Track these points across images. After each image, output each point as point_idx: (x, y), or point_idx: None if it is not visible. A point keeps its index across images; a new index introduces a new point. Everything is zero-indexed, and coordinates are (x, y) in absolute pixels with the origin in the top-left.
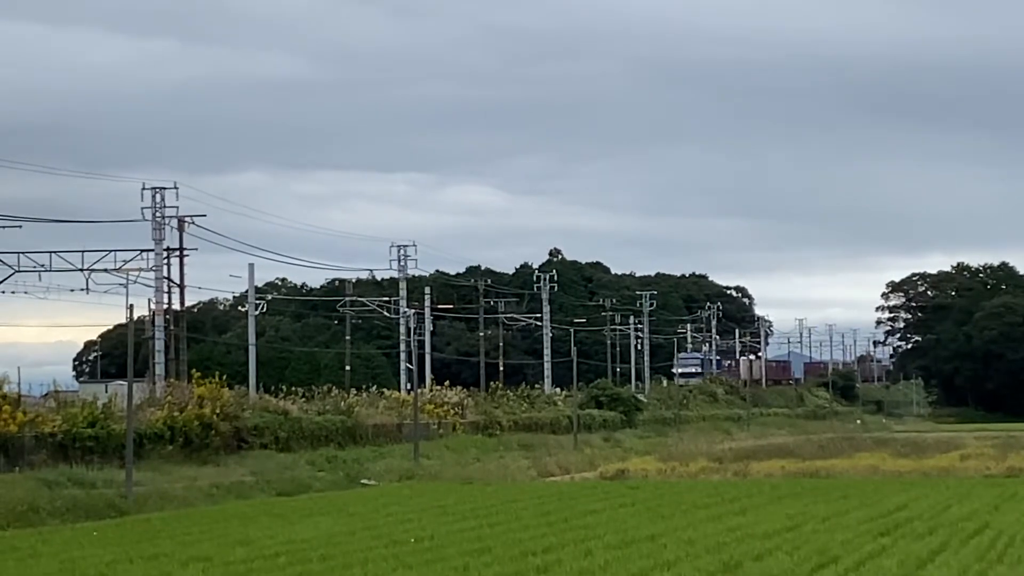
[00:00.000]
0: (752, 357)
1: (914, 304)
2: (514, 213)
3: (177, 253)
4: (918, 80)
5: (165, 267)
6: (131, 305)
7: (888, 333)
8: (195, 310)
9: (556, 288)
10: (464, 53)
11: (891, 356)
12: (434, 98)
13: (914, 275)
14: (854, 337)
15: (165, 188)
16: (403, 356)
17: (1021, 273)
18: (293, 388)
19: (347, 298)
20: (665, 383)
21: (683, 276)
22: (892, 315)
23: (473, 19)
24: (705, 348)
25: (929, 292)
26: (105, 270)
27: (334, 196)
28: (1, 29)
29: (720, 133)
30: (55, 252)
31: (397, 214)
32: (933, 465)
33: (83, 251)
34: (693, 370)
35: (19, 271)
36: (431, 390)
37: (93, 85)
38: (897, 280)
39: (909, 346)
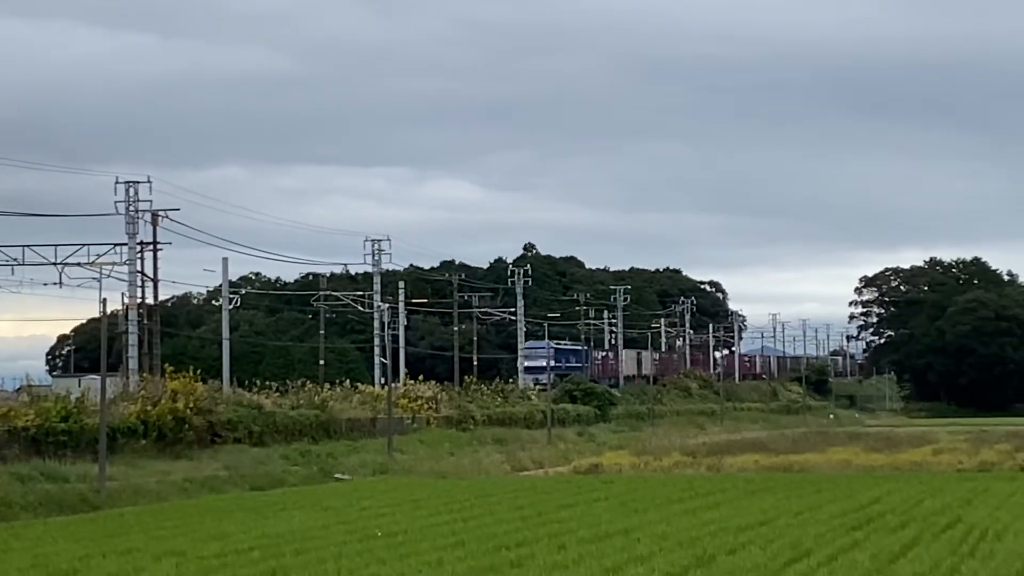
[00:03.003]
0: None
1: (887, 299)
2: (491, 208)
3: (151, 247)
4: (893, 77)
5: (139, 261)
6: (104, 299)
7: (861, 328)
8: (169, 304)
9: (530, 283)
10: (445, 48)
11: (864, 351)
12: (414, 93)
13: (887, 270)
14: (827, 332)
15: (139, 182)
16: (377, 350)
17: (994, 268)
18: (267, 382)
19: (321, 292)
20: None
21: (657, 271)
22: (865, 310)
23: (454, 15)
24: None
25: (902, 287)
26: (78, 264)
27: (312, 191)
28: None
29: (696, 129)
30: (28, 246)
31: (374, 209)
32: (906, 459)
33: (56, 245)
34: (544, 363)
35: None
36: (405, 384)
37: (70, 79)
38: (870, 275)
39: (882, 341)
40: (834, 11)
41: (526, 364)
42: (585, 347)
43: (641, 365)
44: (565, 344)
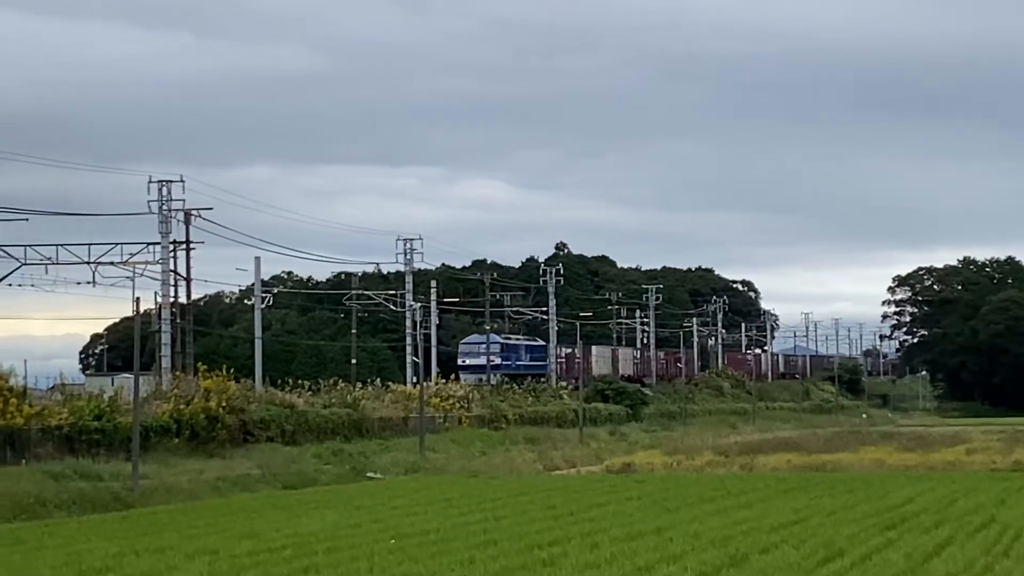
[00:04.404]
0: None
1: (920, 298)
2: (523, 207)
3: (183, 246)
4: (925, 75)
5: (171, 260)
6: (137, 298)
7: (894, 327)
8: (201, 303)
9: (562, 282)
10: (475, 47)
11: (897, 350)
12: (445, 92)
13: (920, 269)
14: (860, 331)
15: (171, 181)
16: (409, 350)
17: None
18: (299, 381)
19: (353, 291)
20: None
21: (689, 270)
22: (898, 309)
23: (484, 14)
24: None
25: (935, 286)
26: (112, 263)
27: (343, 190)
28: (10, 23)
29: (729, 128)
30: (62, 245)
31: (405, 208)
32: (939, 459)
33: (90, 244)
34: (483, 362)
35: (26, 264)
36: (437, 384)
37: (105, 78)
38: (903, 274)
39: (915, 340)
40: (864, 7)
41: (466, 362)
42: (544, 343)
43: (617, 364)
44: (519, 339)
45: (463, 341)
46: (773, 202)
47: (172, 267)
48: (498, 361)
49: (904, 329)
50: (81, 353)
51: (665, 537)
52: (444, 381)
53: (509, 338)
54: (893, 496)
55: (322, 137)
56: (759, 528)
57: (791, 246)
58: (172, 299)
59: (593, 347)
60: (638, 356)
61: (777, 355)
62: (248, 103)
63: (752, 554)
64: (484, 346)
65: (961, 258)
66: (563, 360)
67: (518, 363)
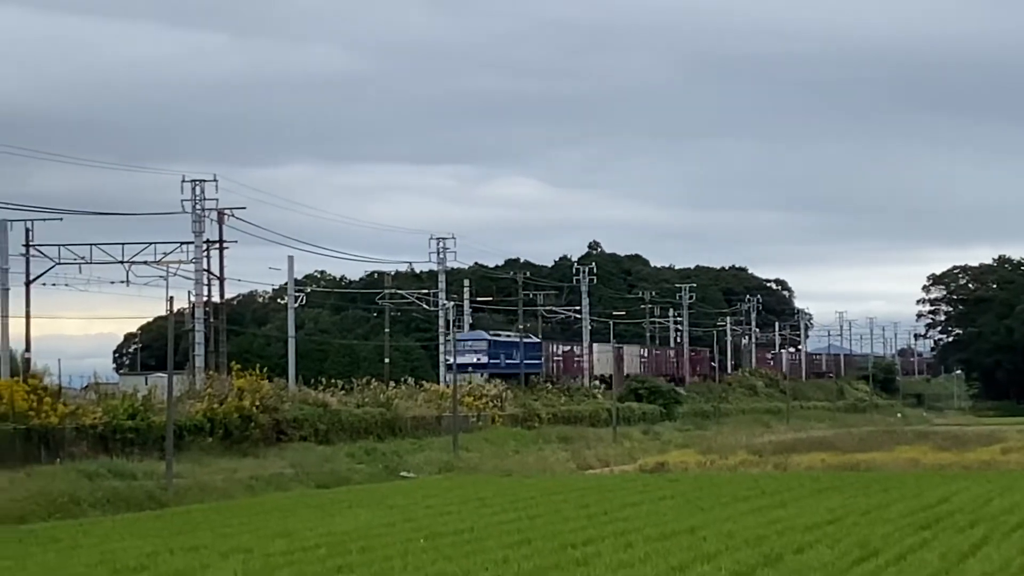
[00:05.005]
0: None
1: (955, 297)
2: (556, 206)
3: (217, 245)
4: (962, 72)
5: (205, 259)
6: (171, 297)
7: (929, 326)
8: (234, 302)
9: (595, 281)
10: (510, 46)
11: (932, 349)
12: (479, 91)
13: (955, 268)
14: (895, 330)
15: (205, 181)
16: (442, 348)
17: None
18: (332, 380)
19: (386, 291)
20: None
21: (723, 269)
22: (933, 308)
23: (519, 12)
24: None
25: (970, 285)
26: (145, 262)
27: (377, 189)
28: (46, 23)
29: (762, 126)
30: (95, 244)
31: (439, 207)
32: (974, 458)
33: (123, 243)
34: (475, 359)
35: (60, 263)
36: (470, 383)
37: (138, 78)
38: (938, 273)
39: (950, 339)
40: (901, 5)
41: (448, 360)
42: (539, 340)
43: (622, 363)
44: (510, 336)
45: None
46: (807, 200)
47: (205, 266)
48: (485, 360)
49: (939, 328)
50: (115, 352)
51: (699, 536)
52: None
53: (498, 335)
54: (928, 495)
55: (356, 136)
56: (793, 527)
57: (825, 245)
58: (205, 298)
59: (594, 345)
60: (645, 354)
61: (796, 354)
62: (283, 102)
63: (787, 554)
64: (468, 343)
65: (996, 256)
66: (559, 359)
67: (508, 362)
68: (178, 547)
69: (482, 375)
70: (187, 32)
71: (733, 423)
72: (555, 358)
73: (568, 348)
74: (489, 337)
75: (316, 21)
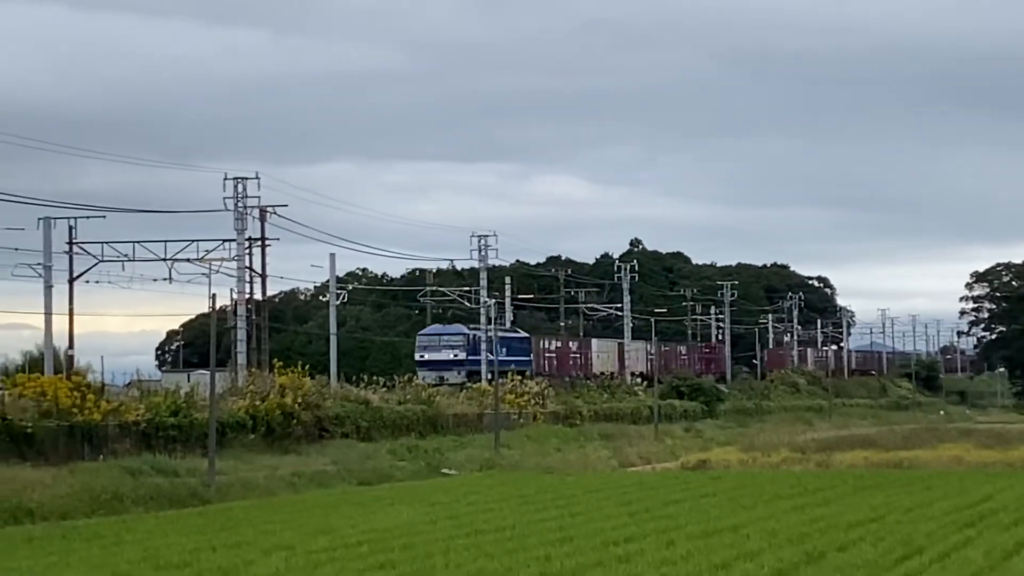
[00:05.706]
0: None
1: (998, 294)
2: (597, 203)
3: (259, 243)
4: (1004, 70)
5: (247, 257)
6: (214, 295)
7: (972, 323)
8: (277, 300)
9: (636, 278)
10: (552, 43)
11: (975, 347)
12: (521, 88)
13: (999, 265)
14: (938, 328)
15: (247, 178)
16: (484, 346)
17: None
18: (374, 377)
19: (428, 288)
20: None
21: (764, 266)
22: (976, 305)
23: (561, 9)
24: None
25: (1014, 282)
26: (188, 260)
27: (420, 186)
28: (88, 20)
29: (804, 124)
30: (139, 242)
31: (481, 204)
32: (1018, 456)
33: (166, 241)
34: (452, 355)
35: (103, 261)
36: (512, 380)
37: (181, 76)
38: (981, 270)
39: (993, 336)
40: (943, 2)
41: (425, 356)
42: (528, 335)
43: (624, 360)
44: (491, 330)
45: (420, 332)
46: (850, 198)
47: (247, 264)
48: (463, 356)
49: (982, 325)
50: (157, 350)
51: (741, 534)
52: (519, 378)
53: (478, 328)
54: (972, 493)
55: (398, 134)
56: (836, 525)
57: (868, 242)
58: (248, 295)
59: (593, 341)
60: (652, 352)
61: (824, 351)
62: (326, 100)
63: (829, 551)
64: (445, 338)
65: None
66: (551, 355)
67: (491, 358)
68: (221, 544)
69: (458, 373)
70: (226, 30)
71: (775, 421)
72: (547, 354)
73: (560, 344)
74: (467, 331)
75: (357, 18)
